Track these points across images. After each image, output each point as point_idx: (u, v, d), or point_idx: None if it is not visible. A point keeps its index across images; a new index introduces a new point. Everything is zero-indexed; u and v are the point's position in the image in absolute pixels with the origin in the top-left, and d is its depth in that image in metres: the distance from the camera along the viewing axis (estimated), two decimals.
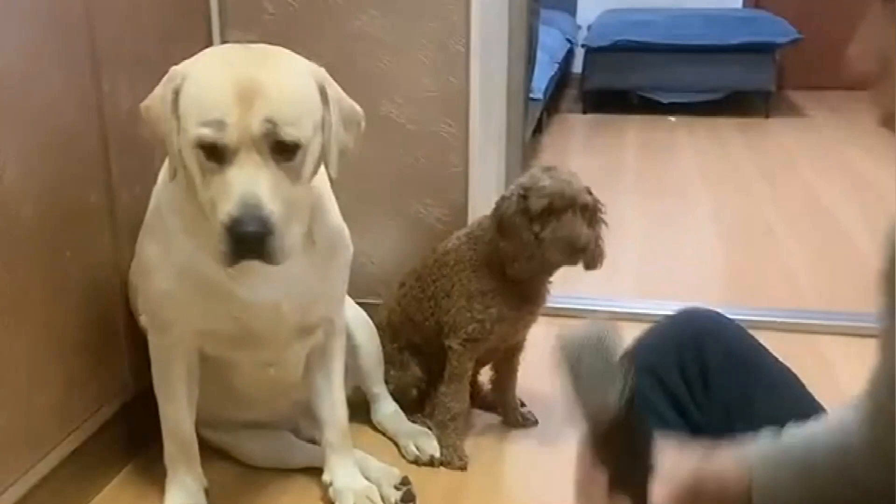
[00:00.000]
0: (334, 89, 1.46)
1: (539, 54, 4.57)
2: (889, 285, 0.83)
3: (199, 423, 1.76)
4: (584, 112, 5.91)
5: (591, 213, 1.83)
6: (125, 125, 1.84)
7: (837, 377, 2.21)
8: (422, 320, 2.00)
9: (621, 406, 0.88)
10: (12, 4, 1.51)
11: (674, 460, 1.00)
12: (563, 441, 2.04)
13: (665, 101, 5.75)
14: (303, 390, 1.81)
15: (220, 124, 1.33)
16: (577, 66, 6.24)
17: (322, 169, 1.49)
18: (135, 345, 1.80)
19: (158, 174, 1.62)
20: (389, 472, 1.83)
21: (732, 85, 5.73)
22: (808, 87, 6.34)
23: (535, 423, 2.09)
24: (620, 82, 5.82)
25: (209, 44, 2.22)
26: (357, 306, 2.02)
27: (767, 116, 5.70)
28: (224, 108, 1.33)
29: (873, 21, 0.85)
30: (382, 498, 1.76)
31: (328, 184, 1.59)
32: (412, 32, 2.19)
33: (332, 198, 1.64)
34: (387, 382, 2.07)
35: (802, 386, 1.21)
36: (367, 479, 1.79)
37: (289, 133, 1.35)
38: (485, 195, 2.29)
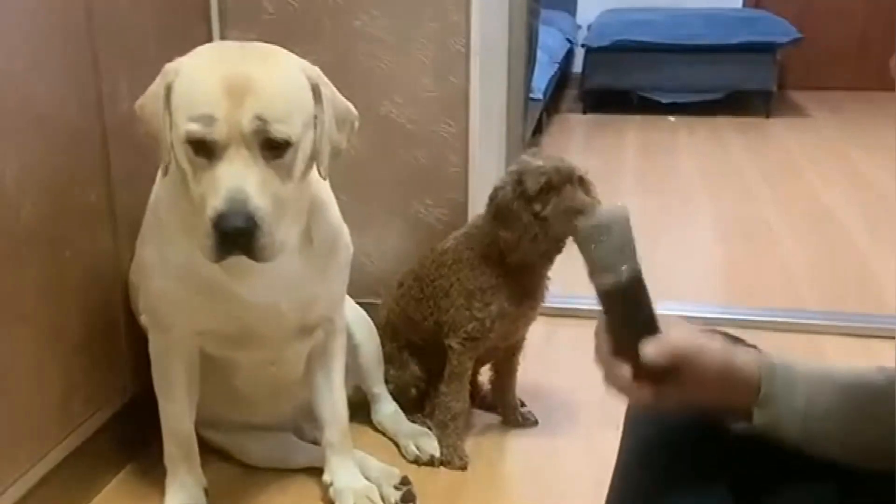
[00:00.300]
0: (328, 88, 1.46)
1: (539, 54, 4.57)
2: None
3: (199, 424, 1.76)
4: (584, 112, 5.91)
5: (585, 186, 1.84)
6: (125, 125, 1.84)
7: None
8: (421, 320, 2.00)
9: (626, 278, 0.95)
10: (13, 5, 1.51)
11: (681, 328, 0.98)
12: (563, 441, 2.05)
13: (665, 101, 5.75)
14: (303, 390, 1.81)
15: (209, 119, 1.32)
16: (577, 66, 6.24)
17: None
18: (135, 345, 1.80)
19: (157, 173, 1.62)
20: (389, 472, 1.83)
21: (733, 85, 5.73)
22: (808, 87, 6.35)
23: (535, 423, 2.09)
24: (620, 82, 5.82)
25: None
26: (357, 306, 2.02)
27: (768, 116, 5.70)
28: (213, 104, 1.32)
29: None
30: (382, 498, 1.76)
31: (327, 183, 1.59)
32: (412, 32, 2.19)
33: (332, 197, 1.64)
34: (386, 382, 2.07)
35: None
36: (367, 479, 1.79)
37: (278, 130, 1.34)
38: (485, 195, 2.26)
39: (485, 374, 2.17)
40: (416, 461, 1.92)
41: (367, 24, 2.20)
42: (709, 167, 4.64)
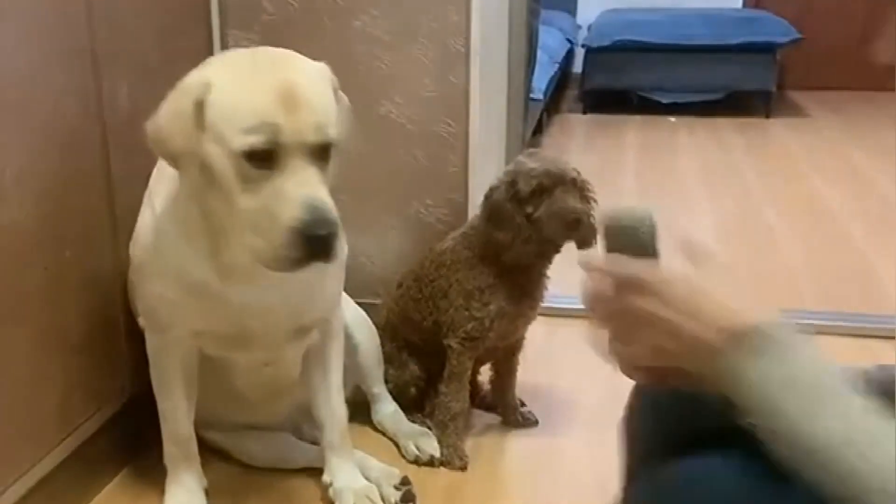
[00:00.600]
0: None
1: (539, 54, 4.57)
2: None
3: (199, 424, 1.76)
4: (585, 112, 5.92)
5: (580, 188, 1.84)
6: (125, 125, 1.84)
7: None
8: (420, 320, 2.00)
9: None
10: (13, 5, 1.51)
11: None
12: (563, 441, 2.05)
13: (665, 101, 5.75)
14: (301, 390, 1.81)
15: (271, 130, 1.31)
16: (577, 66, 6.24)
17: None
18: (135, 345, 1.79)
19: (150, 178, 1.62)
20: (389, 472, 1.83)
21: (732, 85, 5.73)
22: (808, 87, 6.35)
23: (535, 423, 2.09)
24: (620, 82, 5.82)
25: (209, 44, 2.22)
26: (356, 306, 2.02)
27: (768, 117, 5.70)
28: (272, 114, 1.32)
29: None
30: (382, 498, 1.76)
31: None
32: (412, 32, 2.19)
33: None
34: (386, 382, 2.07)
35: None
36: (367, 479, 1.79)
37: (329, 135, 1.36)
38: None
39: (485, 374, 2.17)
40: (416, 461, 1.92)
41: (367, 24, 2.20)
42: (709, 167, 4.64)
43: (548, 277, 1.94)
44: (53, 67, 1.62)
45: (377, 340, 2.05)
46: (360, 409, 2.04)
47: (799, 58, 6.07)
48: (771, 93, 5.71)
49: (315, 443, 1.89)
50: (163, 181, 1.56)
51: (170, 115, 1.39)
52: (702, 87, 5.72)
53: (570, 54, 6.06)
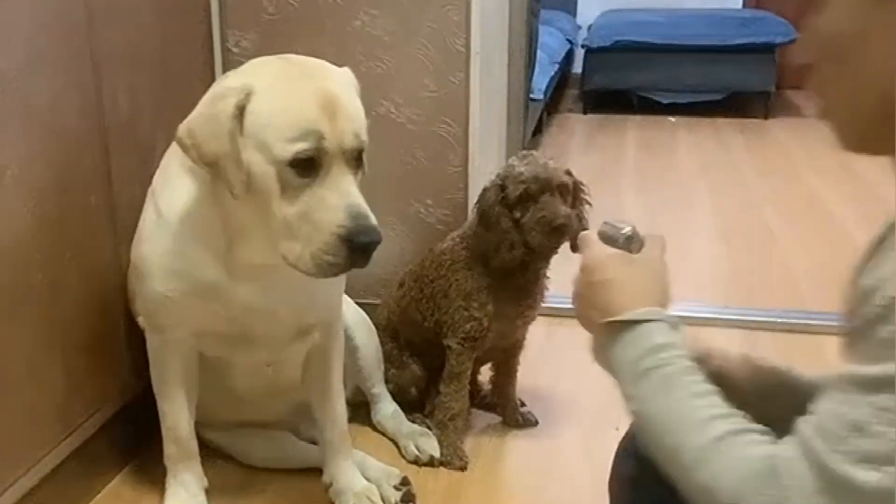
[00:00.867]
0: None
1: (539, 54, 4.57)
2: None
3: (199, 424, 1.76)
4: (585, 112, 5.92)
5: (572, 193, 1.83)
6: (125, 125, 1.84)
7: None
8: (420, 320, 2.00)
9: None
10: (13, 4, 1.51)
11: None
12: (563, 441, 2.05)
13: (665, 101, 5.75)
14: (301, 390, 1.81)
15: (316, 137, 1.34)
16: (577, 66, 6.24)
17: None
18: (135, 345, 1.80)
19: (153, 178, 1.62)
20: (389, 472, 1.83)
21: (732, 85, 5.73)
22: (808, 88, 6.33)
23: (535, 423, 2.10)
24: (620, 82, 5.82)
25: (209, 44, 2.22)
26: (356, 307, 2.02)
27: (767, 117, 5.70)
28: (316, 121, 1.35)
29: (849, 8, 0.84)
30: (382, 498, 1.76)
31: None
32: (412, 32, 2.19)
33: None
34: (386, 382, 2.07)
35: None
36: (367, 479, 1.79)
37: (364, 140, 1.40)
38: None
39: (485, 374, 2.17)
40: (416, 461, 1.92)
41: (367, 24, 2.20)
42: (709, 168, 4.64)
43: (548, 278, 1.94)
44: (53, 68, 1.62)
45: (377, 341, 2.05)
46: (360, 409, 2.05)
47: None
48: (770, 93, 5.71)
49: (313, 442, 1.90)
50: (168, 181, 1.56)
51: (205, 119, 1.39)
52: (702, 87, 5.72)
53: (570, 54, 6.06)
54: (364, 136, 1.41)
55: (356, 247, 1.36)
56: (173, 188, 1.54)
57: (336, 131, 1.36)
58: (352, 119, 1.39)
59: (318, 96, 1.36)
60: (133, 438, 1.89)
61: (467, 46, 2.18)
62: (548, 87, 4.97)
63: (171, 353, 1.66)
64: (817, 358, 2.38)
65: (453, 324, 1.91)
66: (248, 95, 1.36)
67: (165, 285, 1.56)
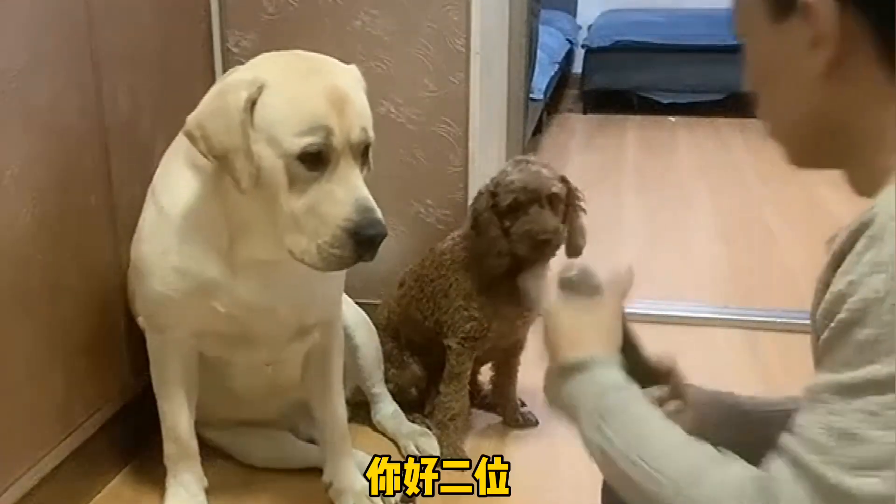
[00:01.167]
0: None
1: (539, 54, 4.56)
2: None
3: (199, 423, 1.76)
4: (585, 112, 5.91)
5: (565, 201, 1.83)
6: (125, 125, 1.84)
7: None
8: (421, 320, 2.00)
9: None
10: (13, 4, 1.51)
11: None
12: (563, 441, 2.04)
13: (665, 101, 5.74)
14: (301, 390, 1.81)
15: (325, 132, 1.35)
16: (577, 66, 6.23)
17: None
18: (135, 345, 1.80)
19: (154, 177, 1.62)
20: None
21: (732, 85, 5.70)
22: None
23: (536, 423, 2.10)
24: (620, 82, 5.81)
25: (209, 44, 2.22)
26: (356, 306, 2.02)
27: None
28: (326, 116, 1.36)
29: (761, 39, 0.92)
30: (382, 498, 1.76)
31: None
32: (412, 32, 2.19)
33: None
34: (387, 382, 2.07)
35: None
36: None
37: (371, 136, 1.42)
38: None
39: (485, 374, 2.17)
40: None
41: (367, 24, 2.20)
42: (709, 167, 4.64)
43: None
44: (53, 67, 1.62)
45: (377, 341, 2.05)
46: (360, 409, 2.05)
47: None
48: None
49: (313, 442, 1.90)
50: (169, 179, 1.56)
51: (216, 111, 1.39)
52: (702, 87, 5.71)
53: (570, 54, 6.05)
54: (371, 132, 1.43)
55: (362, 240, 1.37)
56: (175, 185, 1.54)
57: (344, 126, 1.37)
58: (359, 114, 1.41)
59: (327, 91, 1.38)
60: (133, 438, 1.89)
61: (467, 46, 2.18)
62: (548, 87, 4.97)
63: (171, 353, 1.66)
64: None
65: (453, 324, 1.91)
66: (259, 89, 1.37)
67: (166, 284, 1.56)
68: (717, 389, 1.16)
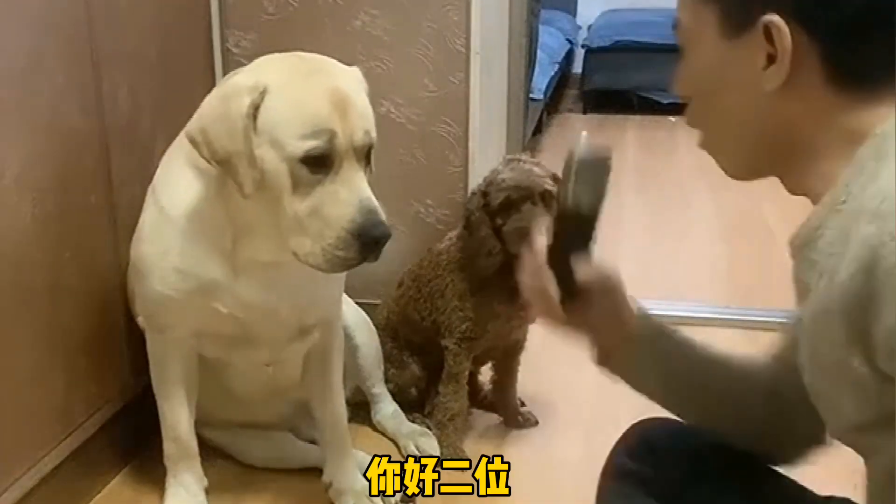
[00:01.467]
0: None
1: (539, 54, 4.56)
2: None
3: (199, 423, 1.76)
4: (585, 112, 5.91)
5: (552, 200, 1.83)
6: (125, 125, 1.84)
7: None
8: (419, 320, 2.00)
9: (586, 212, 1.11)
10: (13, 5, 1.51)
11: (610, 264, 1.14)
12: (563, 441, 2.05)
13: (665, 101, 5.74)
14: (301, 390, 1.81)
15: (329, 135, 1.35)
16: (577, 66, 6.24)
17: None
18: (135, 345, 1.80)
19: (154, 177, 1.62)
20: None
21: None
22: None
23: (535, 423, 2.10)
24: (620, 83, 5.81)
25: (209, 44, 2.22)
26: (356, 306, 2.02)
27: None
28: (328, 119, 1.36)
29: (707, 51, 0.91)
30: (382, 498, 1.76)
31: None
32: (412, 32, 2.19)
33: None
34: (387, 382, 2.07)
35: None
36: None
37: (374, 138, 1.43)
38: None
39: (485, 374, 2.17)
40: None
41: (367, 24, 2.20)
42: (709, 167, 4.57)
43: None
44: (53, 67, 1.62)
45: (377, 341, 2.05)
46: (360, 409, 2.05)
47: None
48: None
49: (313, 442, 1.90)
50: (170, 179, 1.56)
51: (219, 117, 1.39)
52: None
53: (570, 54, 6.05)
54: (373, 133, 1.44)
55: (367, 241, 1.37)
56: (176, 185, 1.54)
57: (347, 129, 1.37)
58: (362, 116, 1.41)
59: (330, 94, 1.38)
60: (133, 438, 1.89)
61: (467, 46, 2.18)
62: (548, 87, 4.97)
63: (171, 353, 1.66)
64: None
65: (450, 324, 1.92)
66: (262, 93, 1.37)
67: (166, 284, 1.56)
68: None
